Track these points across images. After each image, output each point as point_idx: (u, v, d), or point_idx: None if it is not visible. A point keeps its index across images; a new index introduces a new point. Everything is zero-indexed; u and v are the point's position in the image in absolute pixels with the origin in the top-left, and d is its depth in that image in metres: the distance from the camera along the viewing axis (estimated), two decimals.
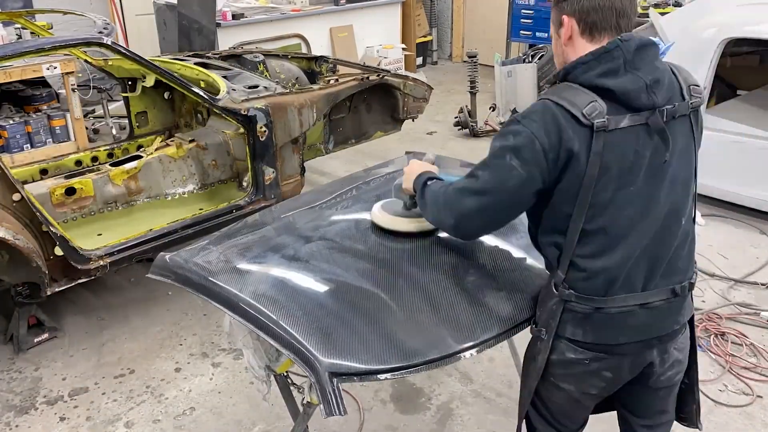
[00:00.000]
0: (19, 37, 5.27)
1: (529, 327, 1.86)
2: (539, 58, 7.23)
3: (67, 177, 3.46)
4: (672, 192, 1.65)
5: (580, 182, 1.57)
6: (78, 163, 4.02)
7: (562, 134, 1.55)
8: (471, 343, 1.74)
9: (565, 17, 1.64)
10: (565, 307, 1.69)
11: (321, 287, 1.91)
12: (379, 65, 7.17)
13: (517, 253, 2.10)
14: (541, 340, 1.77)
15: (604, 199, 1.59)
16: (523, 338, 3.36)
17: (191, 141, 3.80)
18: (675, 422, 2.02)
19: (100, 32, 4.60)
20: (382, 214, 2.13)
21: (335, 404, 1.56)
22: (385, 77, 4.45)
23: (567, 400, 1.85)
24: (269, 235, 2.22)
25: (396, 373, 1.66)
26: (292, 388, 2.12)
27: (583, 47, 1.62)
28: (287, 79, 4.63)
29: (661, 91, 1.59)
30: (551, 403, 1.88)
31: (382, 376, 1.67)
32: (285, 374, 2.09)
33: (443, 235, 2.06)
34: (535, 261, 1.98)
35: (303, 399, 1.97)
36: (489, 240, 2.11)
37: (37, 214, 2.92)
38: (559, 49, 1.70)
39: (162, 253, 2.06)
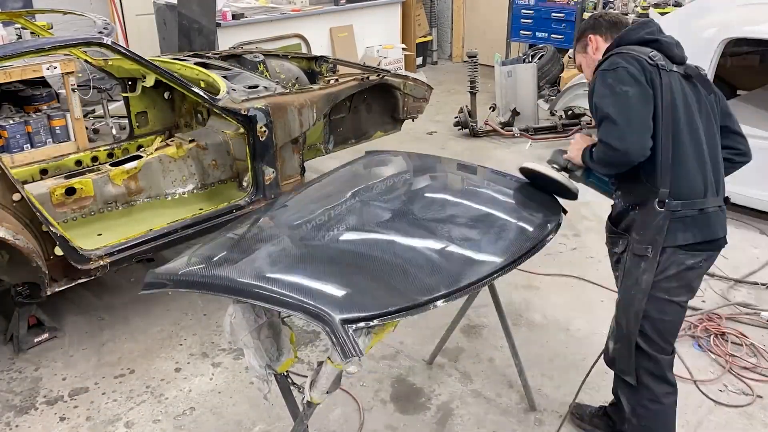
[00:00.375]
0: (19, 37, 5.27)
1: (617, 259, 2.35)
2: (539, 58, 7.24)
3: (67, 177, 3.46)
4: (709, 126, 2.18)
5: (662, 106, 2.06)
6: (78, 163, 4.03)
7: (643, 67, 2.08)
8: (454, 288, 1.93)
9: (590, 37, 2.33)
10: (671, 218, 2.10)
11: (317, 255, 2.11)
12: (379, 65, 7.17)
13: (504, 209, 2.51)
14: (645, 259, 2.15)
15: (678, 121, 2.09)
16: (523, 339, 3.37)
17: (191, 141, 3.80)
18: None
19: (100, 32, 4.60)
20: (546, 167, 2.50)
21: (351, 347, 1.69)
22: (385, 77, 4.45)
23: (678, 312, 2.23)
24: (253, 231, 2.36)
25: (402, 313, 1.82)
26: (292, 387, 2.12)
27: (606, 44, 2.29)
28: (287, 79, 4.63)
29: (681, 50, 2.20)
30: (663, 322, 2.22)
31: (385, 318, 1.80)
32: (285, 374, 2.09)
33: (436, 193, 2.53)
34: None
35: (303, 398, 1.97)
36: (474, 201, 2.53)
37: (37, 214, 2.92)
38: (591, 62, 2.32)
39: (150, 270, 2.13)
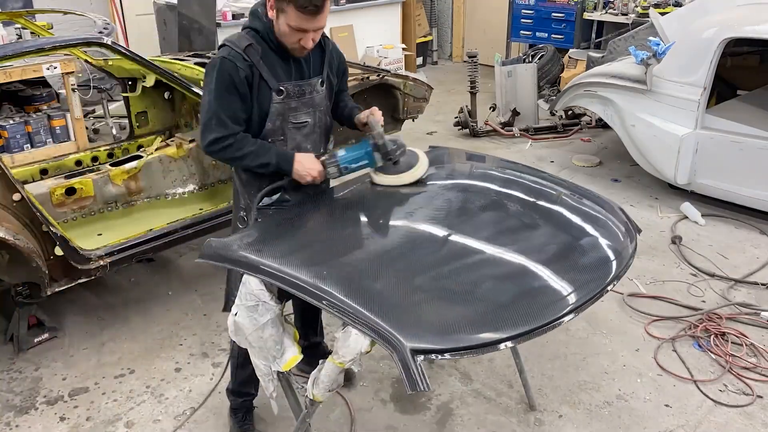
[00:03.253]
0: (19, 37, 5.27)
1: None
2: (539, 58, 7.24)
3: (67, 177, 3.46)
4: None
5: None
6: (78, 163, 4.03)
7: None
8: (549, 319, 1.78)
9: None
10: None
11: (386, 264, 2.00)
12: (379, 65, 7.17)
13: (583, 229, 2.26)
14: None
15: None
16: None
17: (191, 141, 3.80)
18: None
19: (100, 32, 4.61)
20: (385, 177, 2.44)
21: (419, 380, 1.61)
22: (386, 77, 4.45)
23: None
24: (334, 219, 2.33)
25: (472, 351, 1.72)
26: (295, 386, 2.12)
27: None
28: None
29: None
30: None
31: (460, 353, 1.71)
32: (288, 372, 2.09)
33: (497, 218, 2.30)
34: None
35: (306, 397, 1.97)
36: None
37: (37, 214, 2.92)
38: None
39: (210, 240, 2.11)
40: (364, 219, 2.34)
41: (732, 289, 3.73)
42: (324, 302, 1.80)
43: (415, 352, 1.64)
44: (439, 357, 1.68)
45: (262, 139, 2.31)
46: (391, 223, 2.30)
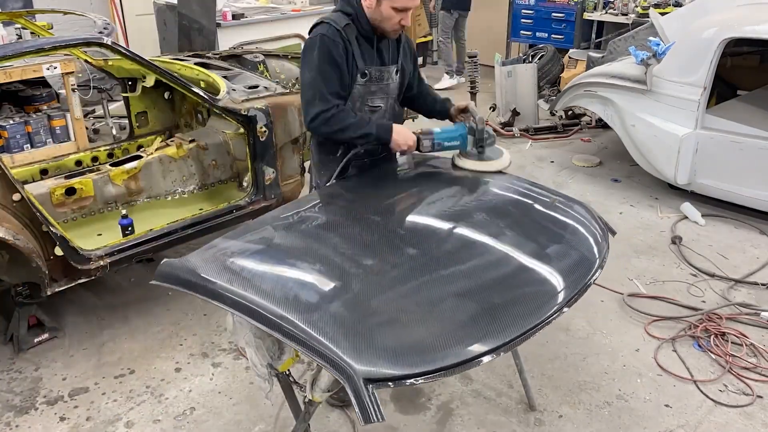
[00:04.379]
0: (19, 37, 5.27)
1: None
2: (539, 58, 7.24)
3: (67, 177, 3.46)
4: None
5: None
6: (78, 163, 4.03)
7: None
8: (498, 343, 1.69)
9: None
10: None
11: (343, 287, 1.85)
12: None
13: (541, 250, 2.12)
14: None
15: None
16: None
17: (191, 141, 3.80)
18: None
19: (100, 32, 4.61)
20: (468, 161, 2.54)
21: (373, 411, 1.51)
22: None
23: None
24: (275, 235, 2.18)
25: (429, 376, 1.60)
26: (294, 386, 2.12)
27: None
28: (287, 79, 4.63)
29: None
30: None
31: (417, 380, 1.60)
32: (287, 372, 2.09)
33: (462, 230, 2.17)
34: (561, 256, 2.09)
35: (305, 397, 1.97)
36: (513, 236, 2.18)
37: (37, 214, 2.92)
38: None
39: (166, 260, 2.00)
40: (333, 236, 2.17)
41: (732, 289, 3.73)
42: (265, 323, 1.69)
43: (369, 380, 1.53)
44: (392, 385, 1.57)
45: None
46: (357, 235, 2.15)
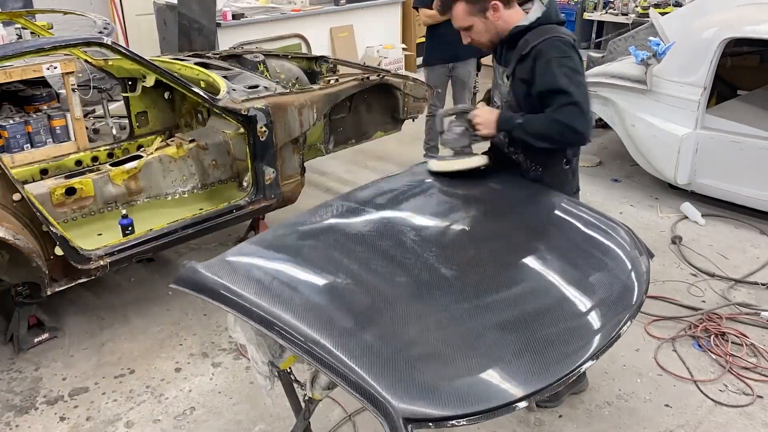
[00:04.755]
0: (19, 37, 5.27)
1: None
2: None
3: (67, 177, 3.46)
4: None
5: None
6: (78, 163, 4.02)
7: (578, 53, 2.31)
8: (545, 384, 1.59)
9: (495, 3, 2.30)
10: (570, 170, 2.52)
11: (378, 311, 1.74)
12: (379, 65, 7.17)
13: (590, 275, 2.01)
14: None
15: None
16: None
17: (191, 141, 3.80)
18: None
19: (100, 32, 4.60)
20: (443, 162, 2.44)
21: None
22: (386, 77, 4.44)
23: None
24: (305, 244, 2.06)
25: (472, 418, 1.50)
26: (294, 384, 2.11)
27: (515, 13, 2.35)
28: (287, 79, 4.63)
29: None
30: None
31: (460, 422, 1.50)
32: (288, 370, 2.09)
33: (501, 251, 2.06)
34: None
35: (305, 395, 1.96)
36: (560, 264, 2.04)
37: (38, 214, 2.92)
38: (491, 27, 2.35)
39: (188, 263, 1.88)
40: (363, 249, 2.02)
41: (732, 289, 3.73)
42: (306, 354, 1.58)
43: (408, 420, 1.44)
44: (432, 426, 1.48)
45: None
46: (397, 255, 1.98)
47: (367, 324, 1.68)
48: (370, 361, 1.56)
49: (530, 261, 2.01)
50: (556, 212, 2.32)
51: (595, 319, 1.83)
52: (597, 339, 1.73)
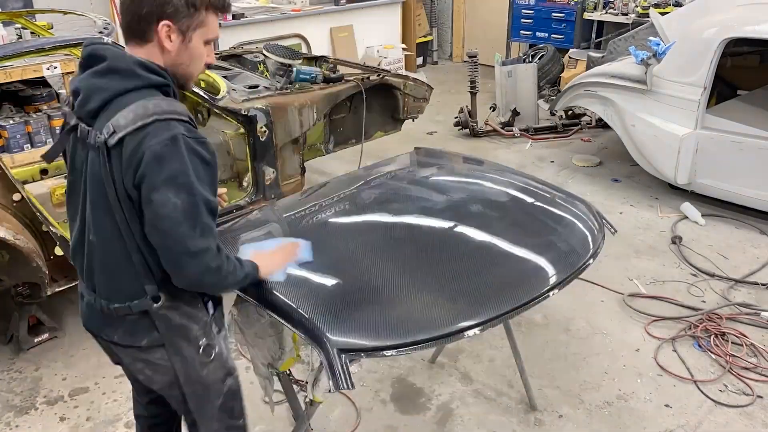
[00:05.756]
0: (19, 37, 5.26)
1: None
2: (539, 58, 7.24)
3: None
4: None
5: None
6: None
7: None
8: (475, 321, 1.79)
9: (168, 24, 1.57)
10: None
11: (331, 267, 1.95)
12: (379, 65, 7.17)
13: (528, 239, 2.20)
14: None
15: None
16: (524, 339, 3.36)
17: None
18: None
19: (100, 32, 4.60)
20: None
21: (343, 379, 1.61)
22: (386, 77, 4.45)
23: None
24: (273, 228, 2.28)
25: (402, 349, 1.70)
26: (295, 386, 2.12)
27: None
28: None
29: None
30: None
31: (388, 353, 1.71)
32: (288, 372, 2.09)
33: (455, 221, 2.24)
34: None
35: (306, 397, 1.97)
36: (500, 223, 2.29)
37: (38, 214, 2.92)
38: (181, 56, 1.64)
39: None
40: (335, 220, 2.28)
41: (732, 289, 3.73)
42: (257, 299, 1.79)
43: (343, 351, 1.64)
44: (365, 356, 1.68)
45: None
46: (354, 221, 2.28)
47: (316, 274, 1.91)
48: (313, 302, 1.78)
49: (481, 228, 2.21)
50: (515, 189, 2.51)
51: (538, 271, 2.02)
52: (526, 293, 1.91)
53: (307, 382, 1.94)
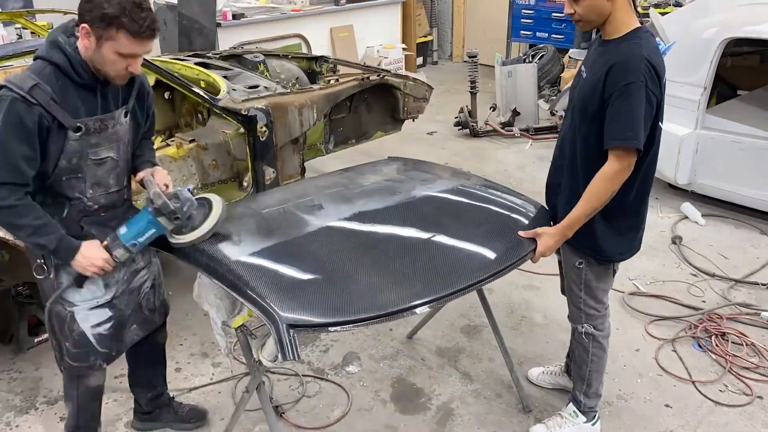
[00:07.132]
0: (20, 37, 5.27)
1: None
2: (539, 58, 7.24)
3: None
4: None
5: None
6: None
7: None
8: (424, 300, 1.98)
9: None
10: None
11: (288, 255, 2.15)
12: (379, 65, 7.17)
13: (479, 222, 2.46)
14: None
15: None
16: (523, 339, 3.35)
17: (191, 141, 3.80)
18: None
19: None
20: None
21: (290, 351, 1.79)
22: (386, 77, 4.45)
23: None
24: (243, 216, 2.44)
25: (346, 326, 1.90)
26: (250, 339, 2.26)
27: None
28: (287, 79, 4.63)
29: None
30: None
31: (332, 328, 1.91)
32: (245, 328, 2.23)
33: (405, 219, 2.43)
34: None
35: (254, 358, 2.19)
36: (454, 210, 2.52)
37: None
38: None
39: None
40: (279, 211, 2.46)
41: (732, 289, 3.73)
42: (213, 274, 2.02)
43: (292, 326, 1.82)
44: (312, 331, 1.87)
45: (56, 177, 2.06)
46: (304, 214, 2.42)
47: (272, 257, 2.12)
48: (266, 282, 1.96)
49: (429, 225, 2.37)
50: (472, 191, 2.72)
51: (482, 260, 2.22)
52: (463, 281, 2.08)
53: (256, 341, 2.17)
